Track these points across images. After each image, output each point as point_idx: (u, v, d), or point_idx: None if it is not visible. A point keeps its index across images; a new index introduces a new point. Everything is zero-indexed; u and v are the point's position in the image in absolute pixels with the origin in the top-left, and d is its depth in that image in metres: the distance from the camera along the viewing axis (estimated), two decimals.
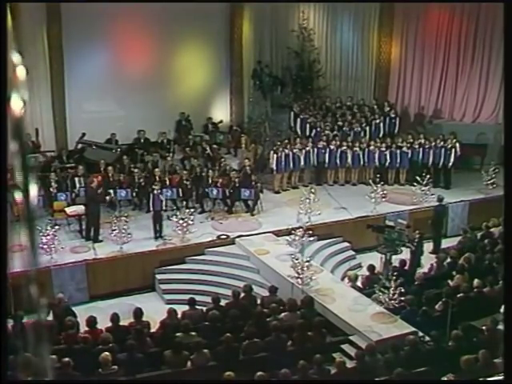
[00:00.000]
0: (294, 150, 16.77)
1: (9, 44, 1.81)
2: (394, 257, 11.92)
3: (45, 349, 1.85)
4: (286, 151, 16.64)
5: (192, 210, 14.27)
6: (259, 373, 7.98)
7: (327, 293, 11.61)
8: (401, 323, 10.36)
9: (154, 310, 11.47)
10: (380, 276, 11.46)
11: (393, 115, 18.90)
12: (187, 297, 11.17)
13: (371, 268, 12.26)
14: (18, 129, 1.71)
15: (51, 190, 14.44)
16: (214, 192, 15.06)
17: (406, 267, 12.57)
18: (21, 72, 1.75)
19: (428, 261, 13.37)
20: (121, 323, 9.89)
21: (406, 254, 12.80)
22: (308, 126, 18.50)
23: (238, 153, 18.48)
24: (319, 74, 20.44)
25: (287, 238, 13.30)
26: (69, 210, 14.16)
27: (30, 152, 2.10)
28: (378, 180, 15.44)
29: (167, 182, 14.94)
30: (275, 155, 16.49)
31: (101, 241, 13.73)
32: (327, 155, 17.11)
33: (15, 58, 1.75)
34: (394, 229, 11.78)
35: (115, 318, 9.83)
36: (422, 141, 17.25)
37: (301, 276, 11.79)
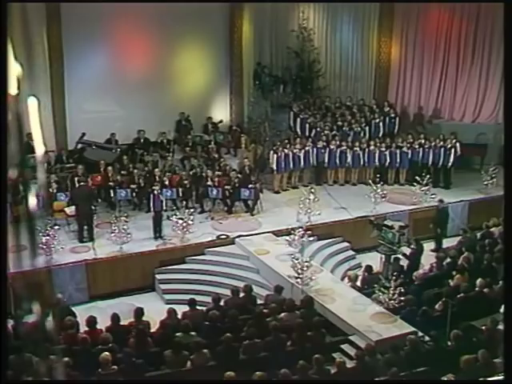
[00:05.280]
0: (294, 150, 16.77)
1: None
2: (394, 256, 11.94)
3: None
4: (286, 151, 16.65)
5: (192, 209, 14.28)
6: (259, 373, 7.98)
7: (327, 293, 11.61)
8: (401, 323, 10.36)
9: (154, 309, 11.45)
10: (380, 276, 11.46)
11: (392, 115, 18.91)
12: (187, 297, 11.19)
13: (368, 269, 12.26)
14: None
15: (51, 190, 14.43)
16: (214, 192, 15.05)
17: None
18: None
19: (428, 261, 13.36)
20: (121, 323, 9.89)
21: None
22: (308, 125, 18.50)
23: (237, 153, 18.48)
24: (319, 74, 20.44)
25: (287, 238, 13.30)
26: (68, 210, 14.16)
27: (30, 152, 2.10)
28: (377, 180, 15.45)
29: (167, 182, 14.94)
30: (275, 155, 16.50)
31: (93, 239, 13.74)
32: (327, 155, 17.12)
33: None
34: (391, 229, 11.79)
35: (116, 317, 9.83)
36: (422, 141, 17.25)
37: (301, 276, 11.79)
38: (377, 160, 17.20)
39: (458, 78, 19.41)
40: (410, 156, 17.18)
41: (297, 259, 11.91)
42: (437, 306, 10.39)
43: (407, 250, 12.87)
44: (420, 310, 10.33)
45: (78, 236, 13.87)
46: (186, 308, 10.57)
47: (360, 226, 14.36)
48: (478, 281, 10.96)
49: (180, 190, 14.96)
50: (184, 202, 14.91)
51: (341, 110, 19.42)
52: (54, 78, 17.14)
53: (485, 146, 18.24)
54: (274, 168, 16.61)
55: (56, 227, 13.02)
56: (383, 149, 17.24)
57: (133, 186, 15.06)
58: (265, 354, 9.23)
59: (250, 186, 15.23)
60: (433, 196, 15.60)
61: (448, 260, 12.46)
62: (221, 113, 19.81)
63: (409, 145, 17.24)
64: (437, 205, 15.03)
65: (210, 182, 15.15)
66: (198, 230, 14.15)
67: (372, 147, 17.22)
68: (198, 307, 10.62)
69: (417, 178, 15.81)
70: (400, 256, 12.19)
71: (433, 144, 17.13)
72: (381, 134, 18.38)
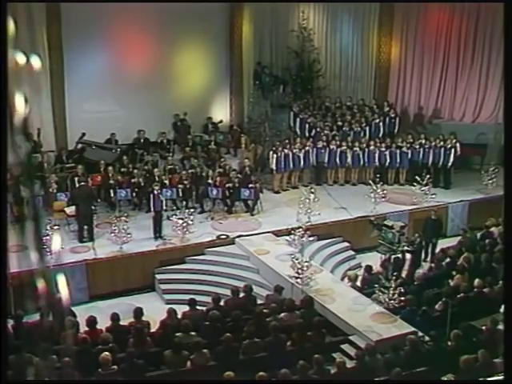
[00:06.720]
0: (294, 150, 16.77)
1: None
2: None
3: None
4: (286, 151, 16.65)
5: (192, 209, 14.28)
6: (259, 373, 7.98)
7: (327, 293, 11.61)
8: (401, 323, 10.36)
9: (154, 310, 11.46)
10: (380, 276, 11.46)
11: (392, 115, 18.91)
12: (187, 297, 11.18)
13: (368, 269, 12.26)
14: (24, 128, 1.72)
15: (51, 190, 14.44)
16: (214, 192, 15.06)
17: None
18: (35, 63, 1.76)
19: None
20: (121, 323, 9.89)
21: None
22: (308, 125, 18.51)
23: (237, 153, 18.48)
24: (319, 74, 20.45)
25: (287, 238, 13.31)
26: (68, 209, 14.17)
27: (31, 151, 2.11)
28: (377, 180, 15.45)
29: (167, 182, 14.94)
30: (275, 155, 16.50)
31: (93, 239, 13.75)
32: (327, 155, 17.12)
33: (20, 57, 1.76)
34: (391, 229, 11.78)
35: (115, 317, 9.83)
36: (422, 141, 17.25)
37: (301, 276, 11.80)
38: (377, 160, 17.19)
39: (458, 78, 19.41)
40: (410, 156, 17.18)
41: (297, 259, 11.92)
42: (437, 306, 10.39)
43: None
44: (420, 310, 10.34)
45: (78, 236, 13.87)
46: (186, 308, 10.56)
47: (360, 226, 14.36)
48: (476, 281, 10.96)
49: (180, 189, 14.97)
50: (184, 202, 14.91)
51: (341, 110, 19.43)
52: (54, 77, 17.14)
53: (485, 146, 18.24)
54: (274, 168, 16.61)
55: (56, 227, 13.00)
56: (383, 149, 17.24)
57: (133, 186, 15.07)
58: (265, 354, 9.23)
59: (250, 186, 15.23)
60: (433, 196, 15.59)
61: (448, 260, 12.46)
62: (221, 113, 19.82)
63: (409, 145, 17.24)
64: (431, 214, 14.55)
65: (210, 182, 15.17)
66: (197, 230, 14.14)
67: (372, 147, 17.22)
68: (198, 307, 10.62)
69: (417, 177, 15.79)
70: (406, 248, 12.16)
71: (433, 144, 17.13)
72: (381, 134, 18.38)
